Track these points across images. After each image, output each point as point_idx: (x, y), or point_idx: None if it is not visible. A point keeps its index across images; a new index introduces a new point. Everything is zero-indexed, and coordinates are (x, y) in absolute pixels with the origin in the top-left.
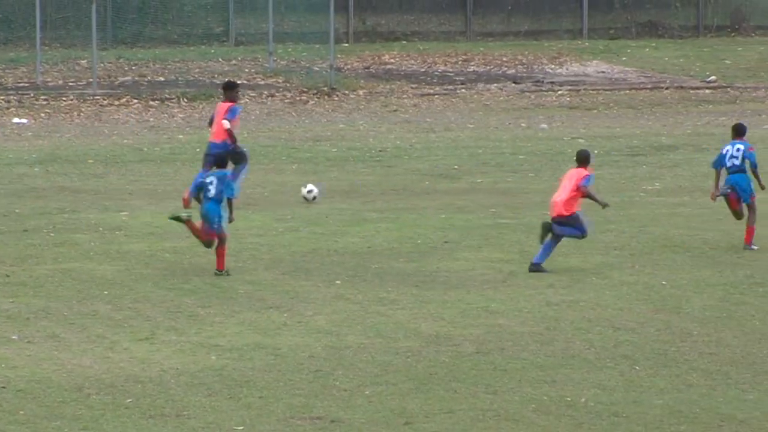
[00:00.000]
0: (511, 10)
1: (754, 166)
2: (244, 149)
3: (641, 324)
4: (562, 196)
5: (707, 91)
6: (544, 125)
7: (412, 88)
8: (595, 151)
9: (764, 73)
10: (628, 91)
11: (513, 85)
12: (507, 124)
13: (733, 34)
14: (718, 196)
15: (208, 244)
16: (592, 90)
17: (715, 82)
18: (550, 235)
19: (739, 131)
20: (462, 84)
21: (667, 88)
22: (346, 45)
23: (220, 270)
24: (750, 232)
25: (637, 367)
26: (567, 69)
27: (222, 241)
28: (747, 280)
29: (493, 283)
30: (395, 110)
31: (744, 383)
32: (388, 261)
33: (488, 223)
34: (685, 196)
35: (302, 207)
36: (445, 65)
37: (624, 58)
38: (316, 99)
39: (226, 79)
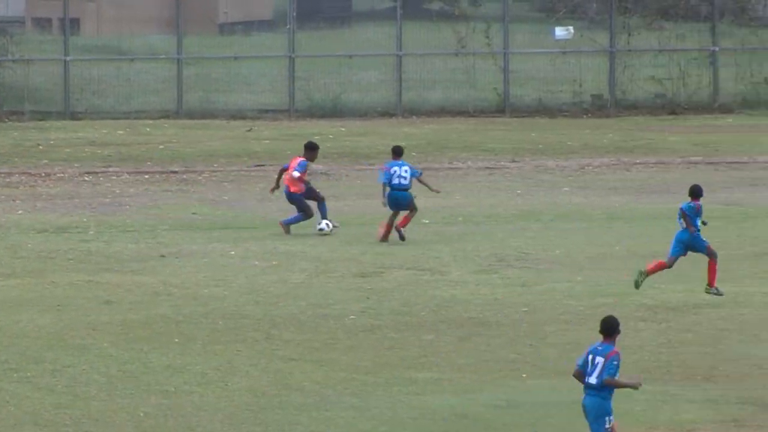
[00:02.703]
0: None
1: (418, 176)
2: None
3: None
4: None
5: None
6: None
7: None
8: None
9: (18, 159)
10: None
11: None
12: None
13: None
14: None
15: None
16: None
17: None
18: None
19: (398, 152)
20: None
21: None
22: None
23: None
24: (404, 221)
25: None
26: None
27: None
28: (1, 366)
29: None
30: None
31: None
32: None
33: None
34: None
35: None
36: None
37: None
38: None
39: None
